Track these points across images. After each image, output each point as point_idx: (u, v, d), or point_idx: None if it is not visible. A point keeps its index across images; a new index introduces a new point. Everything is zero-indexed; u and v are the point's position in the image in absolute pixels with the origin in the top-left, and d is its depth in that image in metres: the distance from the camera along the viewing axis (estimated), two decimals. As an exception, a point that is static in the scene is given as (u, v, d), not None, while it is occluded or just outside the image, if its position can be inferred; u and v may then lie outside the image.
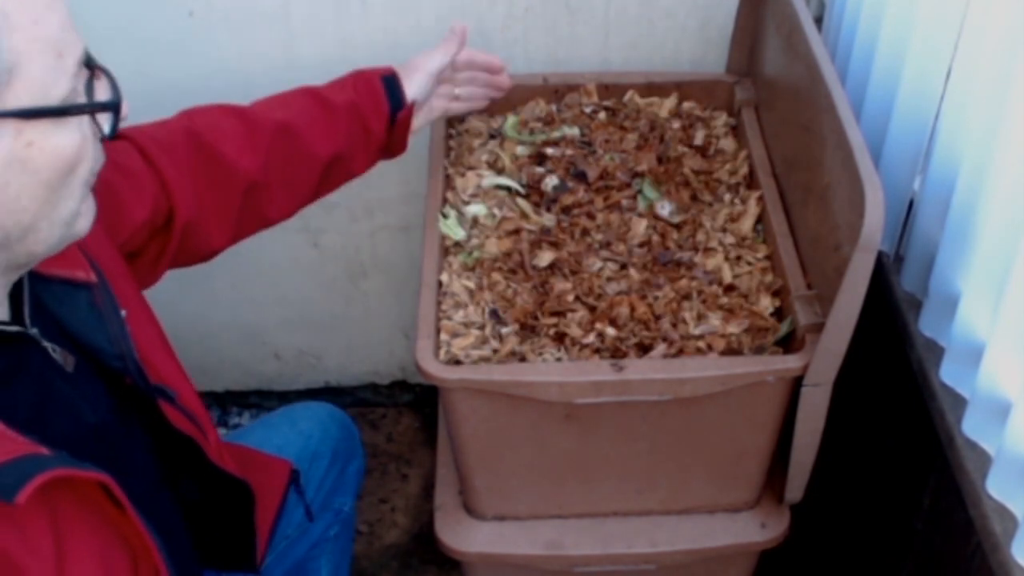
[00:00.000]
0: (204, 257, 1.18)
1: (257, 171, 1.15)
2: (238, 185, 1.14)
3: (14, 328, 0.81)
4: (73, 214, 0.77)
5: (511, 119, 1.41)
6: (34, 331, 0.83)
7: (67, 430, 0.82)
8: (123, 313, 0.93)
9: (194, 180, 1.11)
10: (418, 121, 1.28)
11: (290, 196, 1.21)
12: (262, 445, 1.25)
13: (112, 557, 0.82)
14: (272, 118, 1.17)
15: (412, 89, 1.24)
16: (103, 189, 1.00)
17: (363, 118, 1.21)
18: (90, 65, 0.76)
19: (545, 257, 1.21)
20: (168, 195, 1.09)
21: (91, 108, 0.75)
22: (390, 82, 1.23)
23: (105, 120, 0.77)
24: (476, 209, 1.28)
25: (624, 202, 1.29)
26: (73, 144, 0.74)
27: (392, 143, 1.26)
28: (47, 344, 0.84)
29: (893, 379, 1.29)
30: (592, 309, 1.15)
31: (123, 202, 1.04)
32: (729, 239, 1.24)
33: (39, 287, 0.85)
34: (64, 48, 0.72)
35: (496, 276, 1.19)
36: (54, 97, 0.72)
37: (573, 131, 1.39)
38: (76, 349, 0.88)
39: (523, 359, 1.11)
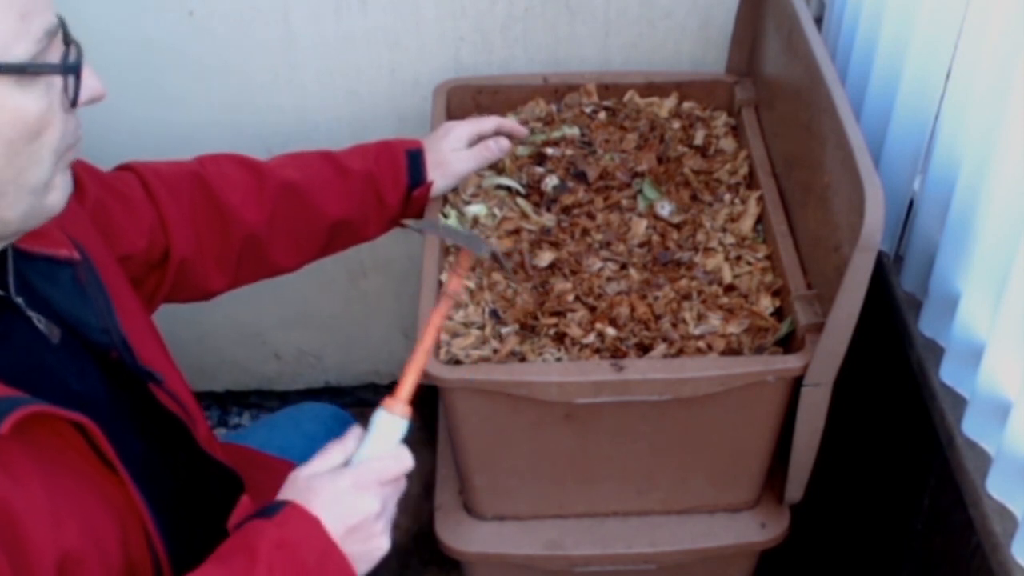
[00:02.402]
0: (203, 296, 1.20)
1: (259, 224, 1.17)
2: (237, 233, 1.16)
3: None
4: (42, 183, 0.78)
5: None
6: (19, 300, 0.84)
7: (54, 397, 0.82)
8: (108, 290, 0.94)
9: (194, 221, 1.13)
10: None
11: (294, 251, 1.23)
12: (264, 446, 1.25)
13: (95, 512, 0.83)
14: (283, 176, 1.19)
15: (439, 183, 1.26)
16: (97, 205, 1.02)
17: (378, 189, 1.23)
18: (67, 41, 0.77)
19: (545, 257, 1.21)
20: (165, 231, 1.11)
21: (48, 69, 0.75)
22: (414, 157, 1.25)
23: (65, 85, 0.77)
24: (476, 209, 1.28)
25: (624, 202, 1.29)
26: (37, 108, 0.74)
27: (407, 215, 1.27)
28: (32, 314, 0.85)
29: (893, 379, 1.29)
30: (592, 309, 1.15)
31: (119, 224, 1.07)
32: (729, 239, 1.24)
33: (23, 265, 0.87)
34: (29, 10, 0.73)
35: (496, 276, 1.19)
36: (15, 57, 0.72)
37: (573, 131, 1.39)
38: (62, 324, 0.88)
39: (523, 359, 1.11)
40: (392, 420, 0.93)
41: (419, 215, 1.28)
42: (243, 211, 1.16)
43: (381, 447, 0.93)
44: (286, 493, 0.89)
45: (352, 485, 0.88)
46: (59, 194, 0.81)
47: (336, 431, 1.35)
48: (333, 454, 0.92)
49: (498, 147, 1.30)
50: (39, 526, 0.76)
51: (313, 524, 0.85)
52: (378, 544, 0.90)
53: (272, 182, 1.18)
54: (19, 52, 0.73)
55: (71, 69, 0.77)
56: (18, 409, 0.75)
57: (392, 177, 1.24)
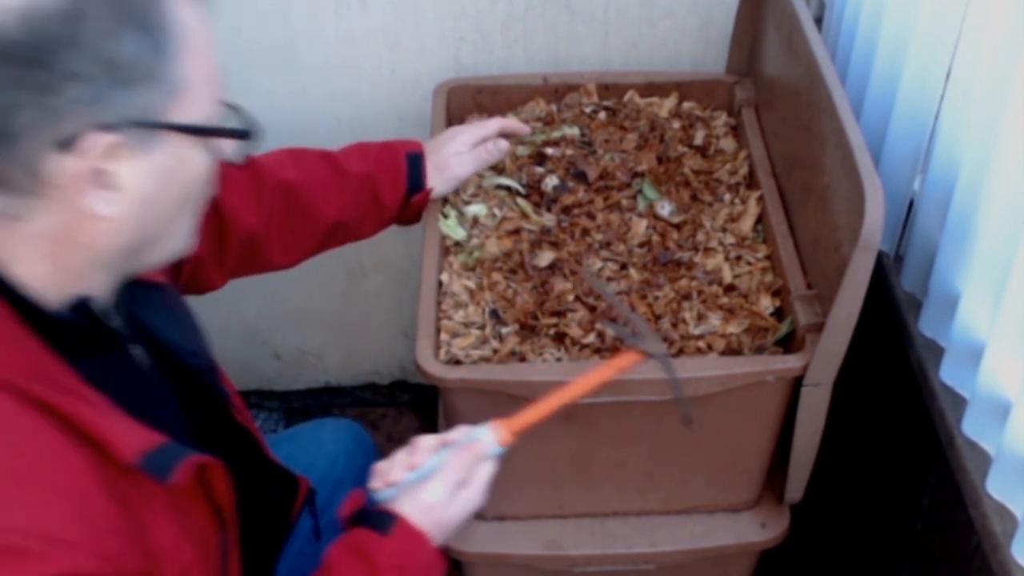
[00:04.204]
0: (203, 292, 1.21)
1: (257, 225, 1.18)
2: (236, 235, 1.17)
3: (117, 328, 0.86)
4: (189, 232, 0.86)
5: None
6: (128, 332, 0.88)
7: (156, 424, 0.85)
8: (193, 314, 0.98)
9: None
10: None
11: (291, 250, 1.24)
12: (288, 462, 1.25)
13: (201, 525, 0.89)
14: (282, 176, 1.20)
15: (439, 187, 1.26)
16: None
17: (376, 191, 1.24)
18: (226, 104, 0.83)
19: (545, 257, 1.21)
20: None
21: (239, 133, 0.83)
22: (415, 161, 1.25)
23: (229, 149, 0.84)
24: (476, 209, 1.28)
25: (624, 202, 1.29)
26: (207, 165, 0.82)
27: (404, 217, 1.28)
28: (131, 345, 0.89)
29: (893, 379, 1.29)
30: (592, 309, 1.15)
31: None
32: (729, 239, 1.24)
33: (122, 294, 0.89)
34: (217, 79, 0.80)
35: (496, 276, 1.19)
36: (208, 120, 0.79)
37: (573, 131, 1.39)
38: (154, 349, 0.92)
39: (523, 359, 1.11)
40: (492, 445, 0.98)
41: (416, 219, 1.28)
42: (242, 212, 1.16)
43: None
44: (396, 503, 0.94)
45: (460, 511, 0.95)
46: (193, 240, 0.87)
47: (356, 453, 1.38)
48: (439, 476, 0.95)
49: (496, 149, 1.30)
50: (167, 542, 0.82)
51: (422, 540, 0.91)
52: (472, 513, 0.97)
53: (271, 182, 1.18)
54: (207, 117, 0.79)
55: (247, 134, 0.83)
56: (185, 458, 0.81)
57: (391, 180, 1.24)
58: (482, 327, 1.14)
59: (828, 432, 1.13)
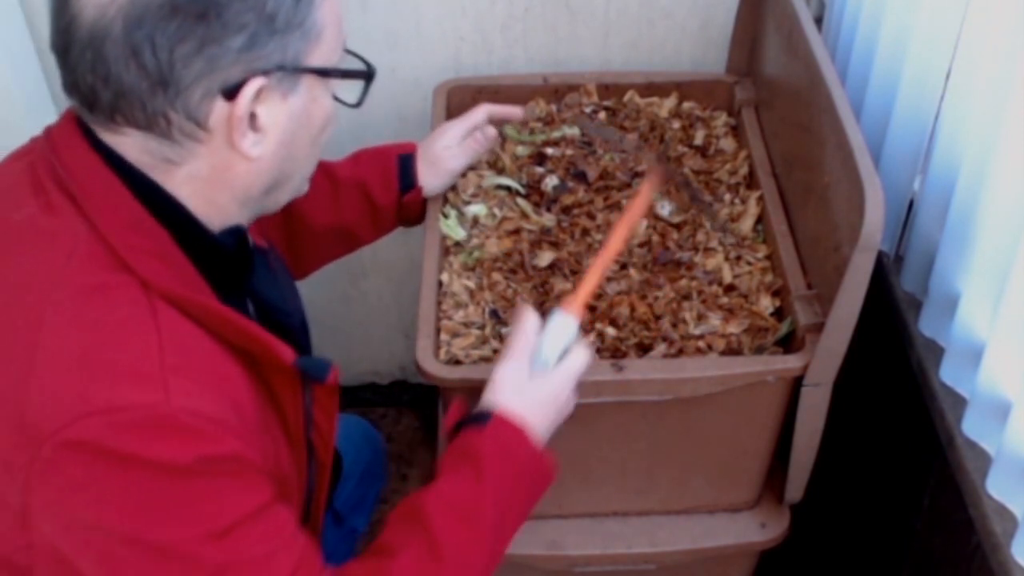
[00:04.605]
0: None
1: (260, 242, 1.18)
2: None
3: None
4: (311, 172, 0.93)
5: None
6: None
7: None
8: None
9: None
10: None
11: (296, 262, 1.25)
12: None
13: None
14: None
15: (433, 182, 1.27)
16: None
17: (369, 194, 1.25)
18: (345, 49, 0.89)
19: (545, 257, 1.21)
20: None
21: (364, 74, 0.90)
22: (405, 161, 1.26)
23: (347, 92, 0.90)
24: (476, 209, 1.28)
25: (624, 202, 1.29)
26: (332, 106, 0.88)
27: (405, 217, 1.29)
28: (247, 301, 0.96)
29: (893, 379, 1.29)
30: (592, 309, 1.15)
31: None
32: (729, 239, 1.24)
33: None
34: (341, 24, 0.86)
35: (496, 276, 1.19)
36: (335, 63, 0.86)
37: (573, 131, 1.39)
38: (256, 303, 0.98)
39: (523, 359, 1.11)
40: (567, 321, 1.00)
41: (418, 218, 1.28)
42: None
43: (559, 345, 0.99)
44: (491, 396, 0.96)
45: (551, 393, 0.97)
46: (310, 183, 0.94)
47: (366, 453, 1.38)
48: (522, 352, 0.98)
49: (485, 137, 1.30)
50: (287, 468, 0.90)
51: (520, 435, 0.94)
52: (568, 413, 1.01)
53: None
54: (339, 58, 0.87)
55: (370, 75, 0.90)
56: (332, 365, 0.90)
57: (382, 182, 1.25)
58: (482, 327, 1.14)
59: (828, 432, 1.13)
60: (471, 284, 1.19)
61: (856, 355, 1.08)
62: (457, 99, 1.44)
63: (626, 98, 1.45)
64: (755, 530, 1.26)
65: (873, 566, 1.44)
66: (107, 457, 0.73)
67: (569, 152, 1.35)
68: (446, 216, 1.27)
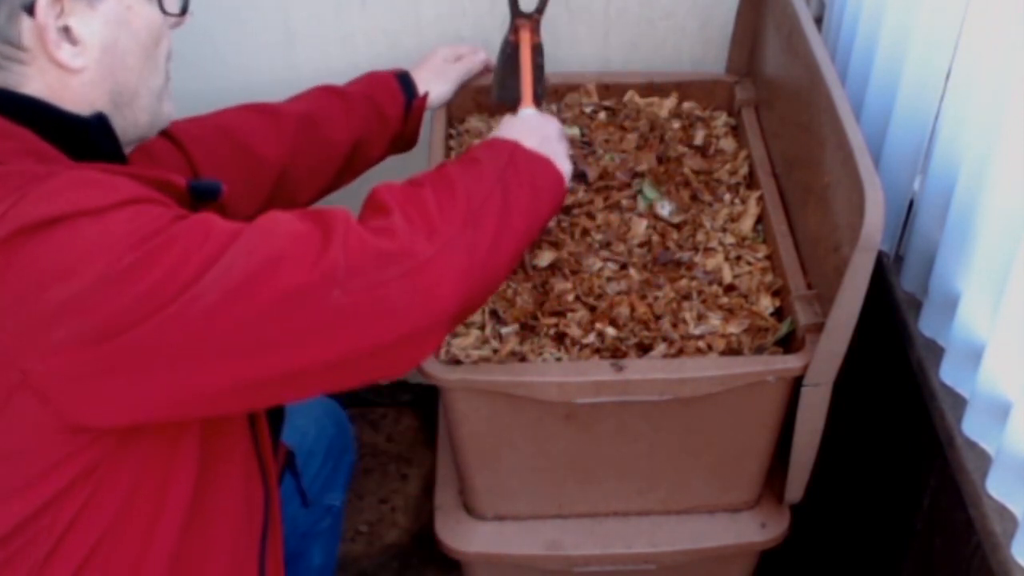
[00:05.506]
0: None
1: (285, 158, 1.24)
2: (268, 173, 1.23)
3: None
4: (161, 89, 0.94)
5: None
6: None
7: None
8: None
9: (223, 169, 1.18)
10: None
11: (315, 181, 1.30)
12: None
13: None
14: (294, 109, 1.27)
15: (438, 89, 1.38)
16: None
17: (379, 106, 1.33)
18: None
19: (545, 257, 1.21)
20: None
21: None
22: (403, 77, 1.36)
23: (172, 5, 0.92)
24: (476, 209, 1.28)
25: (624, 202, 1.29)
26: (157, 17, 0.90)
27: (407, 132, 1.36)
28: None
29: (893, 379, 1.29)
30: (592, 309, 1.15)
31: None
32: (729, 239, 1.24)
33: None
34: None
35: (496, 276, 1.19)
36: None
37: (573, 131, 1.39)
38: None
39: (523, 359, 1.11)
40: (527, 110, 1.18)
41: (416, 132, 1.37)
42: (267, 150, 1.23)
43: None
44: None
45: (529, 124, 1.11)
46: (170, 105, 0.96)
47: (328, 428, 1.37)
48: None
49: (477, 58, 1.43)
50: None
51: (510, 141, 1.04)
52: (563, 162, 1.08)
53: (286, 117, 1.26)
54: None
55: None
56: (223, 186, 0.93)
57: (389, 94, 1.33)
58: (482, 327, 1.14)
59: (828, 432, 1.13)
60: (471, 284, 1.19)
61: (856, 355, 1.08)
62: (457, 99, 1.43)
63: (626, 98, 1.45)
64: (755, 530, 1.26)
65: (873, 566, 1.44)
66: (45, 227, 0.75)
67: (569, 152, 1.35)
68: (446, 216, 1.27)
